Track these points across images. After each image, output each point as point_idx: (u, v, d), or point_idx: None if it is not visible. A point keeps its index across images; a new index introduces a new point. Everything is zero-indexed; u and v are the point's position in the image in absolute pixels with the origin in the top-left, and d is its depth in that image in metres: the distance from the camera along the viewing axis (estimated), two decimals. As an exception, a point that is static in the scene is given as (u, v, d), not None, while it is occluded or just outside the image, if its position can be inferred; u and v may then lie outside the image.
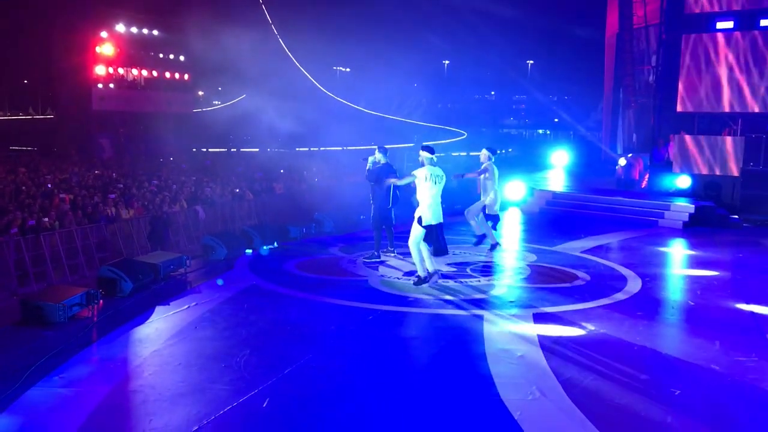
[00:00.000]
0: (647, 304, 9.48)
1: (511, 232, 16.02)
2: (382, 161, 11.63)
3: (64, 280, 11.13)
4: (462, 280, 10.49)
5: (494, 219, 12.24)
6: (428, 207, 9.62)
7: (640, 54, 27.16)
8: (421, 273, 9.93)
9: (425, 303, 9.22)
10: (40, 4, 30.85)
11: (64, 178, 18.20)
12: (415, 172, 9.75)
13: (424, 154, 9.81)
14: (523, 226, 16.85)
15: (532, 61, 74.42)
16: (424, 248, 9.83)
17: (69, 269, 11.63)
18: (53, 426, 5.65)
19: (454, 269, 11.15)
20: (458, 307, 9.06)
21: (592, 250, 13.23)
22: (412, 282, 10.01)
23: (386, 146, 11.93)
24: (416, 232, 9.77)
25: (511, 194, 19.65)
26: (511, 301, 9.42)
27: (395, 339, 7.94)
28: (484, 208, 12.08)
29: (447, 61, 73.58)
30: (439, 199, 9.73)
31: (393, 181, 10.71)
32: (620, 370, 6.90)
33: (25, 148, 32.42)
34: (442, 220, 9.78)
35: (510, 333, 8.02)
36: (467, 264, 11.59)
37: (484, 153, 12.06)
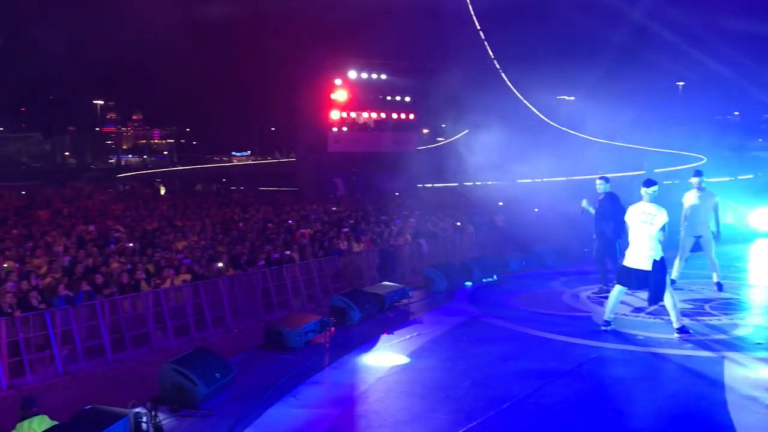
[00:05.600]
0: None
1: (759, 265, 14.39)
2: (603, 191, 10.94)
3: (303, 308, 12.10)
4: (699, 318, 9.63)
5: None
6: None
7: None
8: (677, 323, 8.78)
9: (656, 342, 8.57)
10: (284, 59, 34.51)
11: (304, 214, 19.85)
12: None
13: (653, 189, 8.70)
14: (774, 259, 15.05)
15: (785, 76, 66.67)
16: (673, 295, 8.84)
17: (307, 298, 12.65)
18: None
19: (691, 306, 10.26)
20: (695, 347, 8.31)
21: None
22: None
23: (607, 175, 11.28)
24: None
25: (759, 223, 17.69)
26: (759, 343, 8.43)
27: (620, 379, 7.50)
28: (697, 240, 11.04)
29: (682, 83, 68.51)
30: None
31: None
32: None
33: (271, 189, 36.04)
34: None
35: (757, 378, 7.19)
36: (706, 301, 10.60)
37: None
